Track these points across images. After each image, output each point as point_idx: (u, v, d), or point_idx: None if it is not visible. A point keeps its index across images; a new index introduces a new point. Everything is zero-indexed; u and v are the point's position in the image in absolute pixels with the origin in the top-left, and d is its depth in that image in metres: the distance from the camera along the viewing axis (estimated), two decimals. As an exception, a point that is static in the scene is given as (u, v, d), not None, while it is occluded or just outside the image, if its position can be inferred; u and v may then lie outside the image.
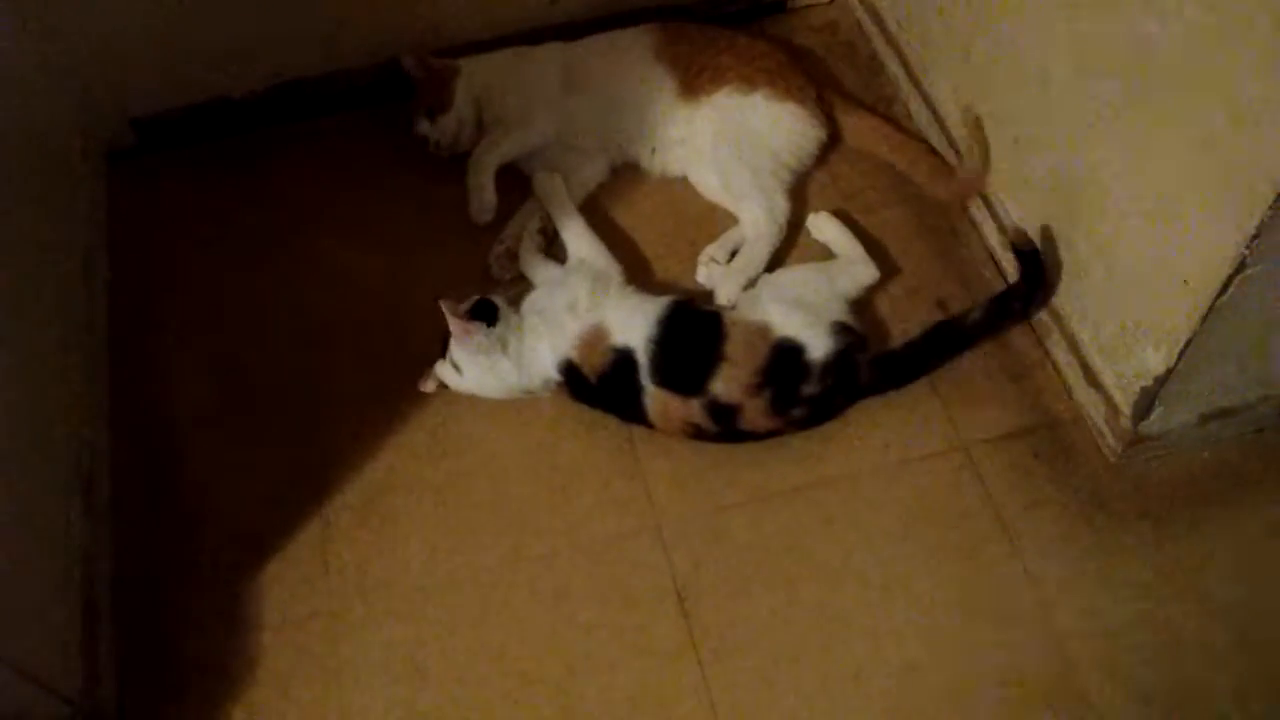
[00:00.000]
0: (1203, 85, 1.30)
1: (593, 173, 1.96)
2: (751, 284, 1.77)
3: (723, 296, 1.76)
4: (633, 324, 1.64)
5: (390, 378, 1.76)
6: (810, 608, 1.55)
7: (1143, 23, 1.36)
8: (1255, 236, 1.26)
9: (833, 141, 1.97)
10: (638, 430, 1.69)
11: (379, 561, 1.60)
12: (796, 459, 1.66)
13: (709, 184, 1.93)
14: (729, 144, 1.88)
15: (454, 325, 1.63)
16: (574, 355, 1.65)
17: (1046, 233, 1.69)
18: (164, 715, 1.51)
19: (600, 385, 1.65)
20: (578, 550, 1.60)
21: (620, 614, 1.55)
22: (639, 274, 1.81)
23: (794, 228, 1.87)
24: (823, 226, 1.85)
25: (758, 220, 1.83)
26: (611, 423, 1.70)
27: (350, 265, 1.90)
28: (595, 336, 1.64)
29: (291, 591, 1.58)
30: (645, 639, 1.53)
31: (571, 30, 2.03)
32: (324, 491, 1.66)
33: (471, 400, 1.73)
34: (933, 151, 1.94)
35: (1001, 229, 1.80)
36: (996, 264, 1.84)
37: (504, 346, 1.66)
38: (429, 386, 1.73)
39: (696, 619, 1.54)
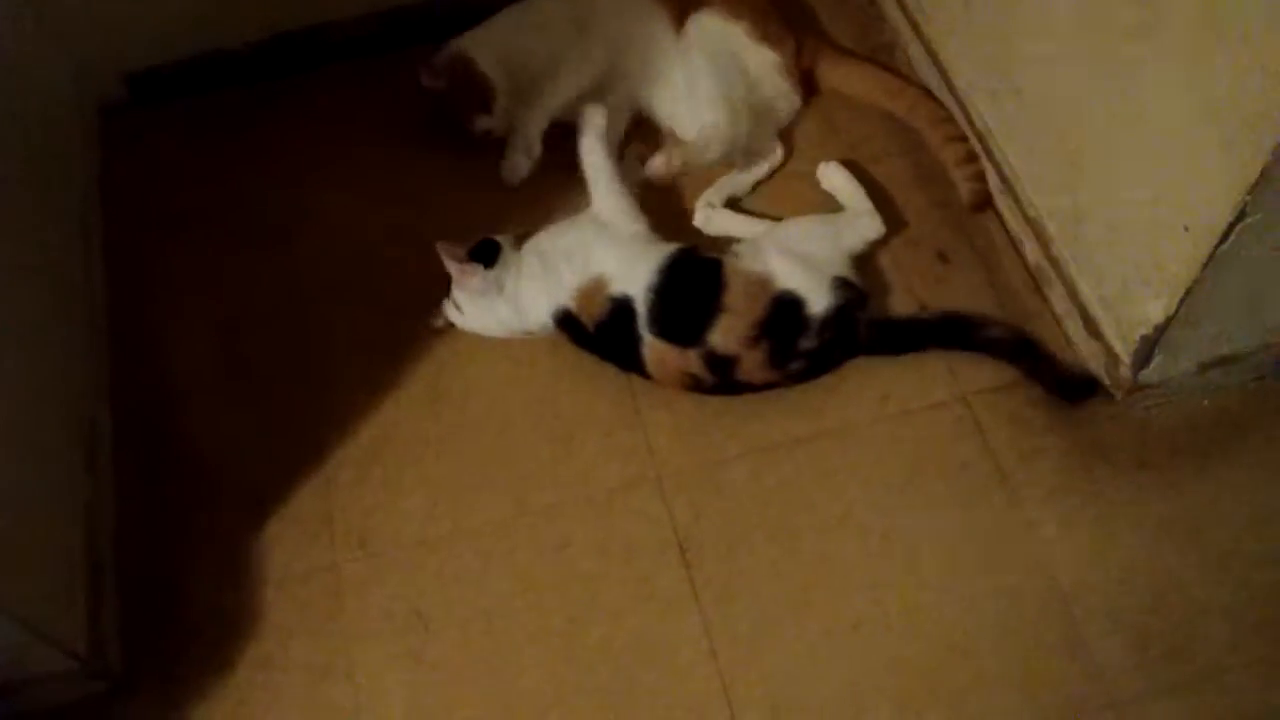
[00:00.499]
0: (1210, 27, 1.28)
1: (614, 128, 1.91)
2: (729, 204, 1.82)
3: (701, 203, 1.81)
4: (634, 273, 1.63)
5: (390, 331, 1.76)
6: (811, 558, 1.55)
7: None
8: (1257, 184, 1.25)
9: (811, 93, 1.96)
10: (639, 381, 1.69)
11: (381, 515, 1.61)
12: (797, 411, 1.66)
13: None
14: (705, 56, 1.87)
15: (451, 268, 1.63)
16: (571, 305, 1.65)
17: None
18: (169, 670, 1.52)
19: (598, 334, 1.65)
20: (580, 501, 1.61)
21: (622, 564, 1.56)
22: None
23: (796, 178, 1.87)
24: (831, 176, 1.83)
25: (718, 123, 1.83)
26: (612, 372, 1.70)
27: (348, 219, 1.89)
28: (594, 287, 1.64)
29: (294, 547, 1.59)
30: (647, 589, 1.54)
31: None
32: (324, 447, 1.66)
33: (472, 351, 1.73)
34: (930, 96, 1.92)
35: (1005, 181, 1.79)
36: (997, 214, 1.82)
37: (500, 289, 1.66)
38: (438, 323, 1.73)
39: (698, 569, 1.55)
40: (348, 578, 1.56)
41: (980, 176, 1.83)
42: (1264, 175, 1.24)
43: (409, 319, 1.75)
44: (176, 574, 1.58)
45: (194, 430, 1.70)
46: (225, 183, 1.95)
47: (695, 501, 1.60)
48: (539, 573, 1.56)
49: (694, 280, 1.63)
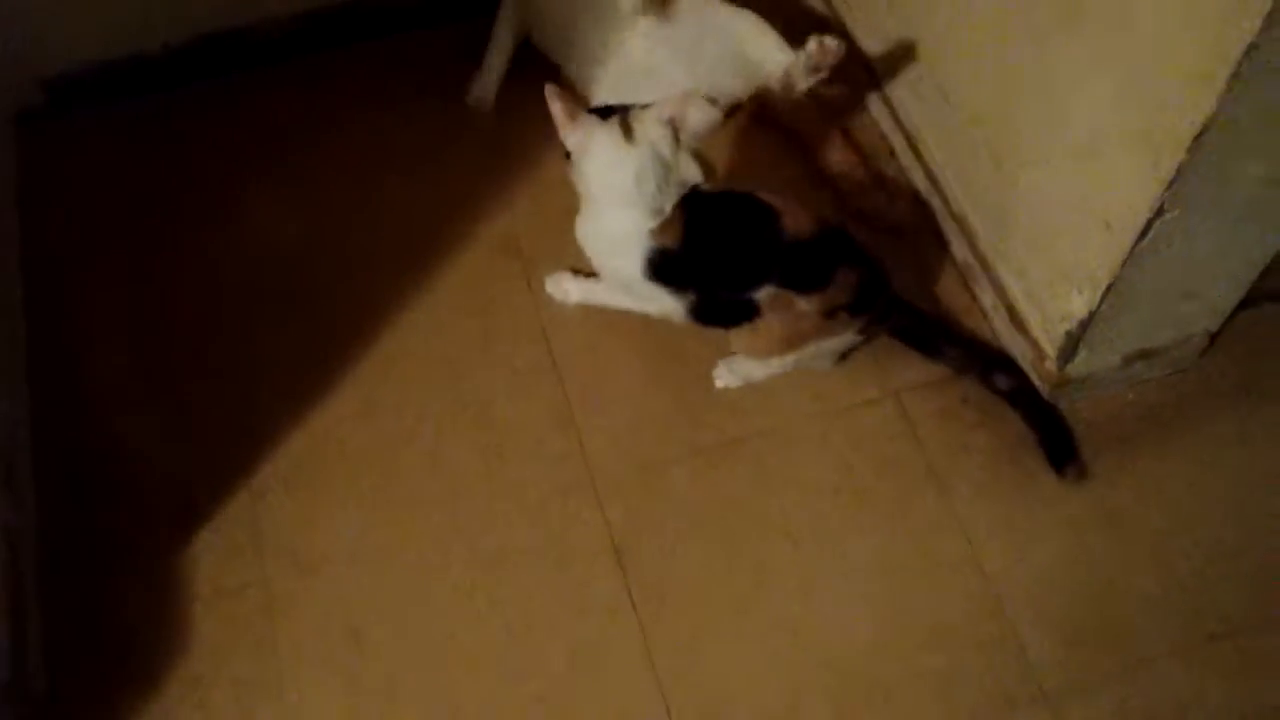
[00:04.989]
0: (1126, 26, 1.30)
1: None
2: None
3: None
4: None
5: (316, 340, 1.73)
6: (747, 561, 1.56)
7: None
8: (1173, 180, 1.27)
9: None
10: (573, 385, 1.69)
11: (311, 530, 1.58)
12: (731, 411, 1.67)
13: None
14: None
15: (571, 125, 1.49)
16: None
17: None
18: (97, 691, 1.48)
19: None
20: (514, 510, 1.60)
21: (557, 573, 1.55)
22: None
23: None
24: None
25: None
26: (545, 377, 1.69)
27: (269, 225, 1.85)
28: None
29: (223, 563, 1.56)
30: (583, 597, 1.53)
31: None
32: (252, 460, 1.64)
33: (403, 361, 1.71)
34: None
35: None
36: (928, 212, 1.84)
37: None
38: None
39: (634, 575, 1.55)
40: (279, 594, 1.54)
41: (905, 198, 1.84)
42: (1180, 172, 1.26)
43: (333, 327, 1.73)
44: (103, 592, 1.55)
45: (117, 445, 1.66)
46: (145, 190, 1.90)
47: (631, 507, 1.60)
48: (474, 585, 1.54)
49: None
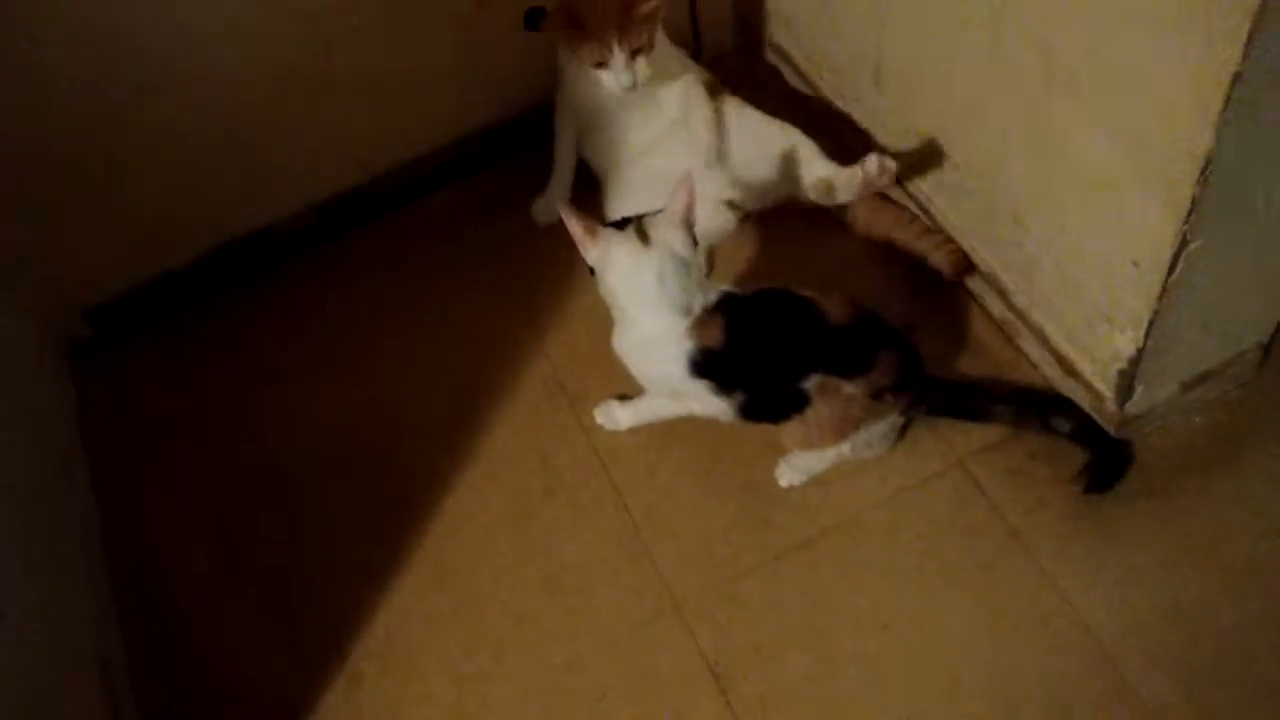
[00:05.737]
0: (1112, 76, 1.31)
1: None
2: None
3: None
4: None
5: (382, 511, 1.76)
6: (844, 659, 1.54)
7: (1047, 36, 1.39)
8: (1190, 213, 1.27)
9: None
10: (639, 514, 1.69)
11: (410, 704, 1.59)
12: (798, 511, 1.66)
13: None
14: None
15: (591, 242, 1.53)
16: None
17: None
18: None
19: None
20: (603, 649, 1.60)
21: (657, 704, 1.54)
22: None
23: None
24: None
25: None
26: (609, 509, 1.70)
27: (320, 405, 1.89)
28: None
29: (330, 756, 1.57)
30: (689, 723, 1.53)
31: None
32: (342, 642, 1.65)
33: (467, 520, 1.73)
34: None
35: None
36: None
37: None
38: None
39: (735, 693, 1.53)
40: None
41: (952, 241, 1.83)
42: (1196, 203, 1.27)
43: (395, 498, 1.76)
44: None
45: (208, 646, 1.68)
46: (197, 393, 1.96)
47: (718, 625, 1.59)
48: (578, 729, 1.54)
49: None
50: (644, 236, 1.50)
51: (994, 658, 1.52)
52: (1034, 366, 1.74)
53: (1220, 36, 1.11)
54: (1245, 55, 1.10)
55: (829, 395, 1.53)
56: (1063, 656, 1.50)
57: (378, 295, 2.01)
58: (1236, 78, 1.12)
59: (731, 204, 1.87)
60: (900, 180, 1.88)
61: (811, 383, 1.52)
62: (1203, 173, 1.22)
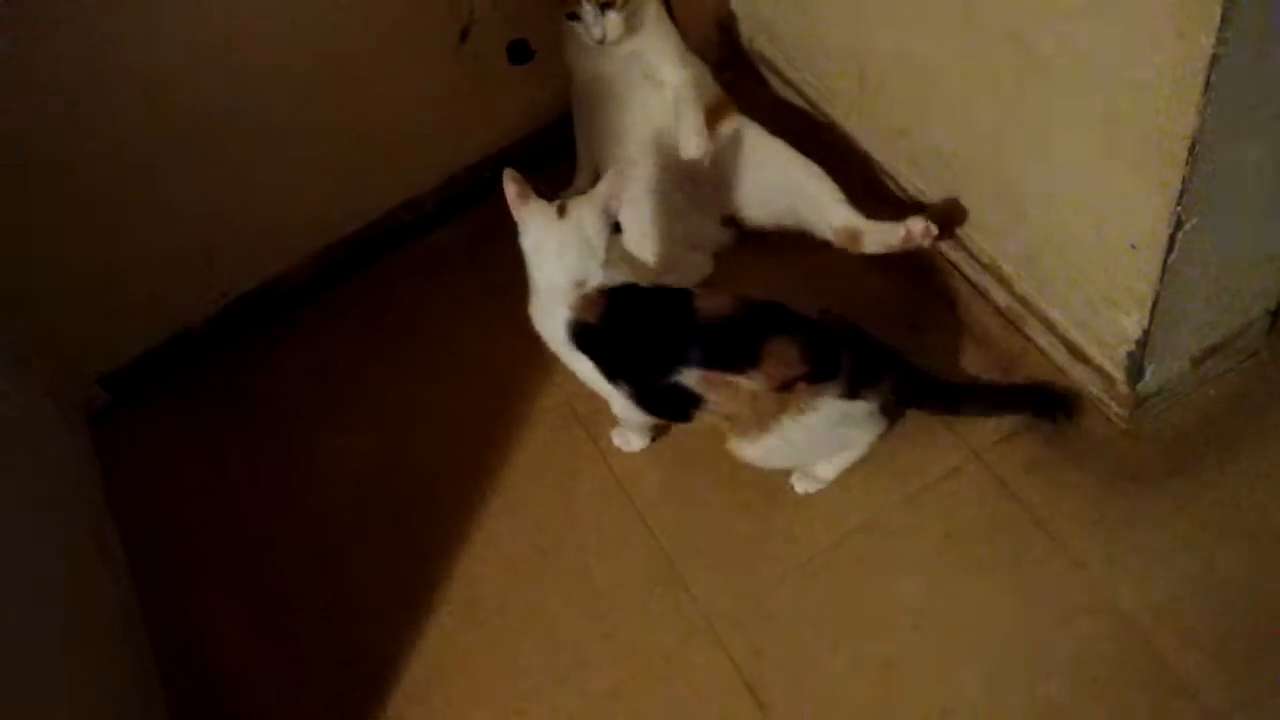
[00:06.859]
0: (1087, 66, 1.32)
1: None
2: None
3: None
4: None
5: (410, 554, 1.78)
6: (879, 661, 1.54)
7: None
8: (1182, 194, 1.27)
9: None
10: (661, 533, 1.70)
11: (455, 743, 1.61)
12: (819, 517, 1.67)
13: None
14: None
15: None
16: None
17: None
18: None
19: None
20: (640, 672, 1.60)
21: (699, 722, 1.56)
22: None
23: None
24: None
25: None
26: (635, 532, 1.71)
27: (341, 449, 1.92)
28: None
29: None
30: (730, 741, 1.53)
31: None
32: (382, 688, 1.67)
33: (493, 554, 1.75)
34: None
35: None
36: (956, 268, 1.84)
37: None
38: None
39: (773, 706, 1.54)
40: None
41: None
42: (1186, 183, 1.27)
43: (423, 537, 1.77)
44: None
45: (251, 712, 1.70)
46: (218, 448, 1.98)
47: (751, 639, 1.60)
48: (621, 754, 1.55)
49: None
50: (562, 211, 1.56)
51: (1027, 650, 1.52)
52: (1042, 353, 1.73)
53: (1199, 21, 1.11)
54: (1221, 41, 1.10)
55: (722, 390, 1.53)
56: (1098, 643, 1.50)
57: (383, 338, 2.04)
58: (1214, 60, 1.12)
59: (696, 246, 1.91)
60: (899, 180, 1.89)
61: (691, 377, 1.53)
62: (1190, 154, 1.22)
